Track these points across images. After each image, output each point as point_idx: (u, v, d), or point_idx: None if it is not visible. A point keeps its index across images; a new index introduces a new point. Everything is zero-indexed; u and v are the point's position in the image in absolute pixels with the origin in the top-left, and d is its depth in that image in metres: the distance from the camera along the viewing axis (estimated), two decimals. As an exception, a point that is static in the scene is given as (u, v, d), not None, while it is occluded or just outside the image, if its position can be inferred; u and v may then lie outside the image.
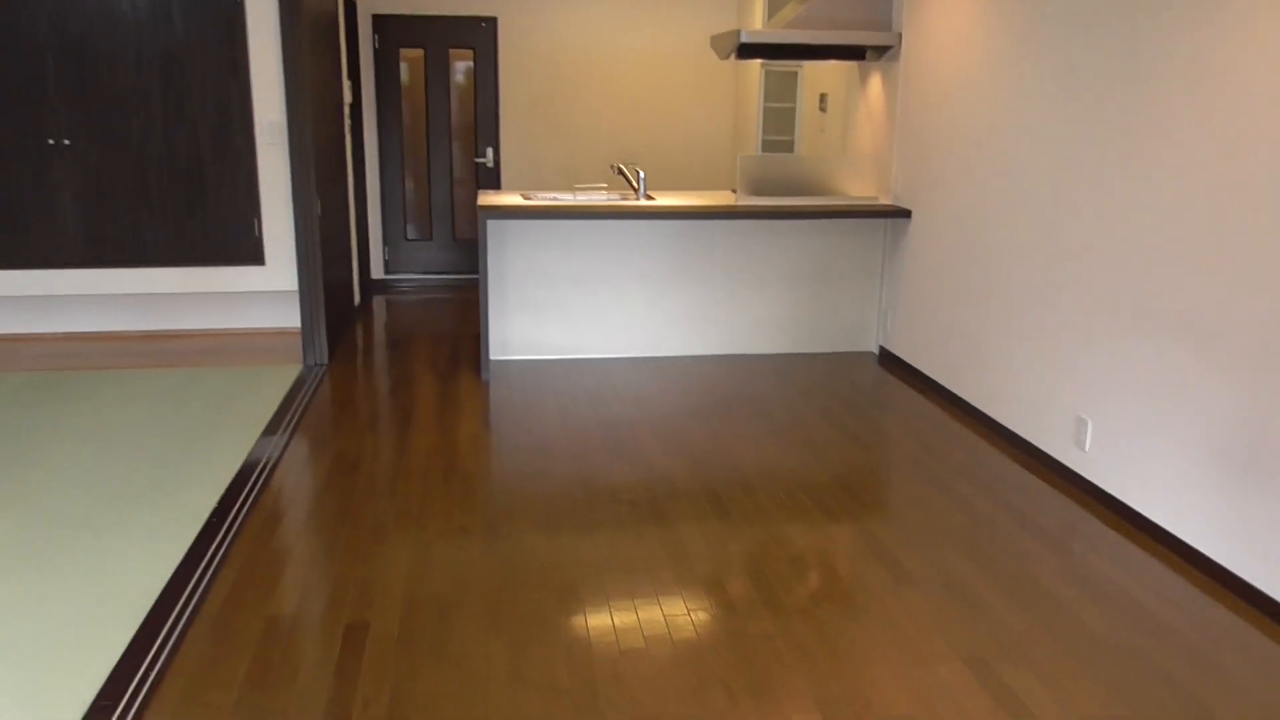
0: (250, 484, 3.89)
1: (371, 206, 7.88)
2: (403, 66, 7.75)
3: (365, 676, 2.62)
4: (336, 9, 6.41)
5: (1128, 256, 3.61)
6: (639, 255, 5.74)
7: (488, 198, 5.73)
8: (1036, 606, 3.03)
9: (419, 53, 7.75)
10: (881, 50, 5.70)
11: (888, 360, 5.83)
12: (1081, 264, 3.90)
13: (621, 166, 6.04)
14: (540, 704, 2.51)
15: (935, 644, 2.81)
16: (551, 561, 3.28)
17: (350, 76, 7.12)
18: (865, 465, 4.19)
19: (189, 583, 3.09)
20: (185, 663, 2.67)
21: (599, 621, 2.92)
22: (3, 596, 3.00)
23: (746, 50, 5.67)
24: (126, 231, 5.74)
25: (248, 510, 3.64)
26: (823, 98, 6.92)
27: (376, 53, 7.65)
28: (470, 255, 8.17)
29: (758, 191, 5.73)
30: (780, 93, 7.52)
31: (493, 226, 5.58)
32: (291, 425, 4.58)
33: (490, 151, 7.97)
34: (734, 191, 6.13)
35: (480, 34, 7.75)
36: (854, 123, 6.22)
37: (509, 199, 5.67)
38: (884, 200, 5.78)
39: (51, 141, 5.55)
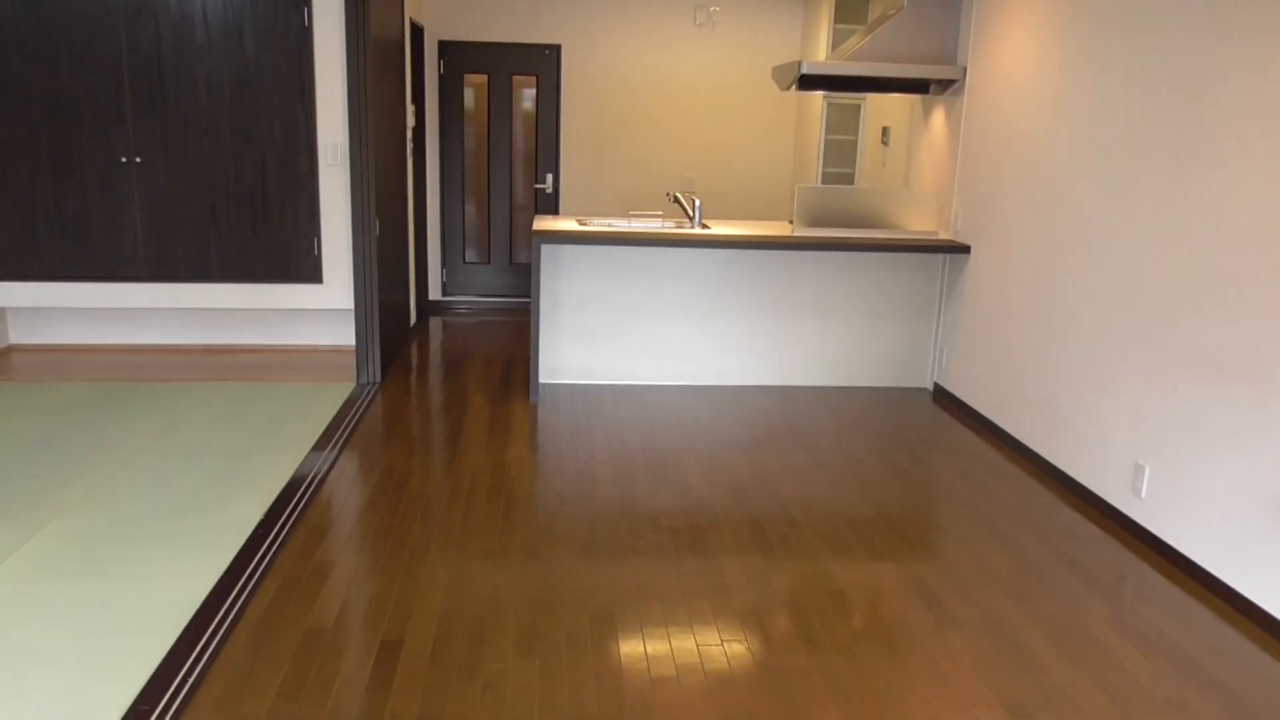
0: (297, 498, 3.94)
1: (431, 229, 8.00)
2: (467, 92, 7.88)
3: (396, 694, 2.62)
4: (403, 35, 6.54)
5: (1191, 300, 3.52)
6: (692, 284, 5.74)
7: (543, 222, 5.78)
8: (1083, 655, 2.94)
9: (483, 79, 7.87)
10: (946, 84, 5.65)
11: (942, 397, 5.73)
12: (1143, 307, 3.80)
13: (678, 195, 6.05)
14: (568, 730, 2.49)
15: (976, 689, 2.74)
16: (588, 586, 3.27)
17: (414, 101, 7.25)
18: (913, 503, 4.12)
19: (231, 593, 3.14)
20: (223, 671, 2.70)
21: (631, 649, 2.89)
22: (51, 600, 3.07)
23: (808, 82, 5.65)
24: (191, 248, 5.89)
25: (293, 524, 3.69)
26: (885, 131, 6.87)
27: (441, 78, 7.79)
28: (527, 280, 8.24)
29: (814, 222, 5.70)
30: (842, 125, 7.49)
31: (547, 251, 5.62)
32: (341, 442, 4.64)
33: (550, 178, 8.05)
34: (790, 222, 6.10)
35: (544, 61, 7.85)
36: (916, 157, 6.16)
37: (564, 224, 5.71)
38: (943, 235, 5.70)
39: (124, 159, 5.73)
